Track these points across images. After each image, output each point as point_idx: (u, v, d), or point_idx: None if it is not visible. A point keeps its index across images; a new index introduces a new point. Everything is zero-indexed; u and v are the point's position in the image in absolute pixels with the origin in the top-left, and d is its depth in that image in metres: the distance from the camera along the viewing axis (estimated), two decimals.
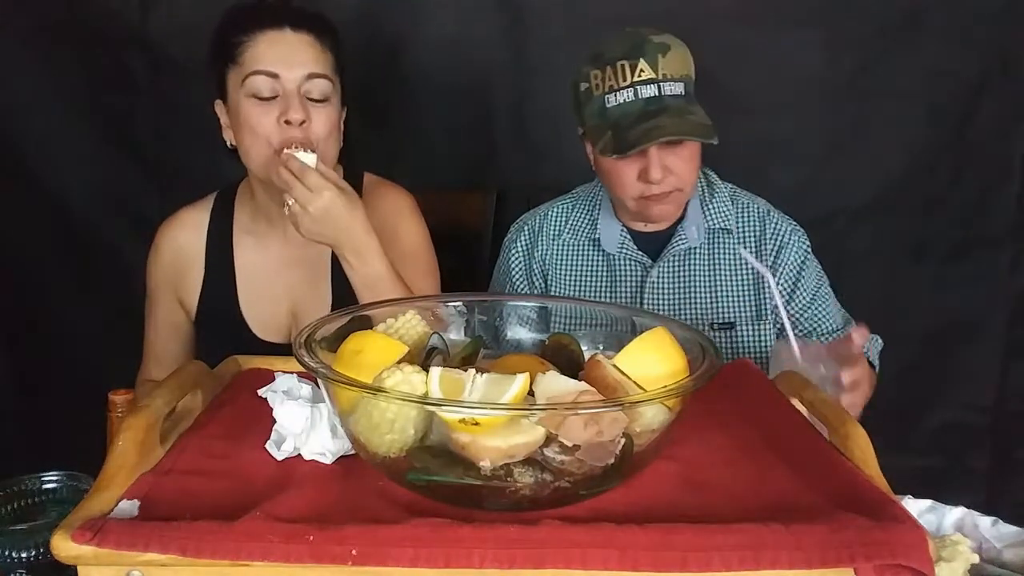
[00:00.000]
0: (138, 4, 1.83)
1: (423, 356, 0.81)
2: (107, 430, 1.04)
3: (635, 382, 0.73)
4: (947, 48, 1.84)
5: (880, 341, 1.51)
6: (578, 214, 1.53)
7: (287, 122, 1.24)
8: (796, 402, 0.90)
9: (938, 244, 1.95)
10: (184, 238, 1.42)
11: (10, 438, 1.95)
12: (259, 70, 1.24)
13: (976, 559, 0.82)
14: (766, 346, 1.42)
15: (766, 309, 1.43)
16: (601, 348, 0.86)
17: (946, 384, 2.00)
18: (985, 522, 0.95)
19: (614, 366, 0.74)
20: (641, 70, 1.31)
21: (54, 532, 0.63)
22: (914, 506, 0.97)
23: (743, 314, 1.44)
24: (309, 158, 1.20)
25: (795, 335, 1.13)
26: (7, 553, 0.89)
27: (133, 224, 1.94)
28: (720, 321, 1.44)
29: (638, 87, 1.31)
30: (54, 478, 1.01)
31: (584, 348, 0.87)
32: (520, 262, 1.54)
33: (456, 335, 0.91)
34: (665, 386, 0.72)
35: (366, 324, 0.85)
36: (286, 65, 1.25)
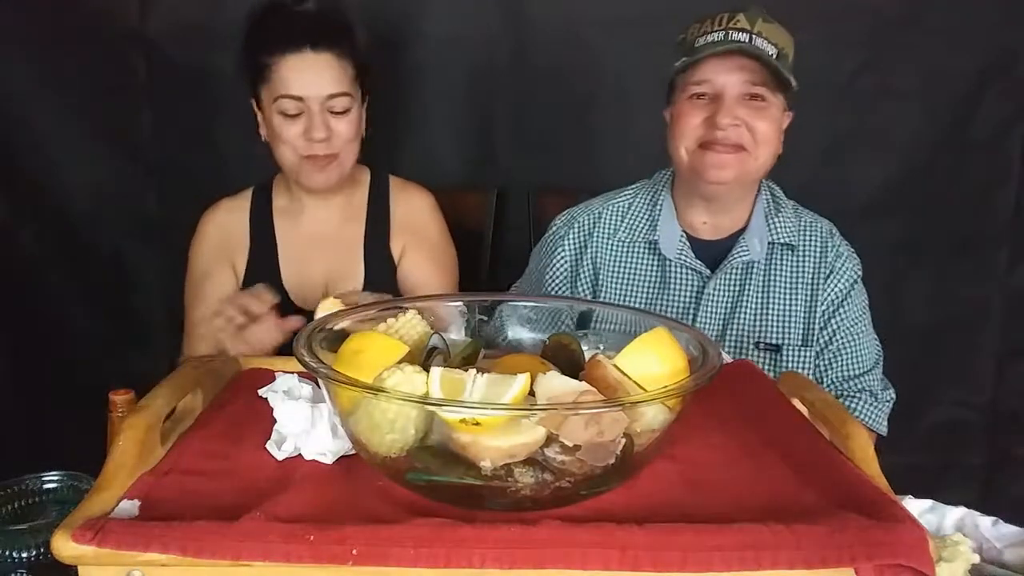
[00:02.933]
0: (138, 4, 1.83)
1: (423, 356, 0.81)
2: (107, 430, 1.04)
3: (635, 382, 0.73)
4: (947, 48, 1.84)
5: (892, 398, 1.44)
6: (637, 212, 1.45)
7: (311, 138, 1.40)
8: (796, 402, 0.90)
9: (936, 243, 1.95)
10: (229, 218, 1.56)
11: (10, 438, 1.95)
12: (285, 94, 1.39)
13: (976, 559, 0.82)
14: (808, 374, 1.37)
15: (813, 336, 1.38)
16: (602, 348, 0.86)
17: (943, 382, 2.00)
18: (986, 522, 0.95)
19: (615, 366, 0.74)
20: (738, 20, 1.29)
21: (54, 532, 0.63)
22: (914, 506, 0.97)
23: (790, 338, 1.38)
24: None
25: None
26: (7, 553, 0.89)
27: (133, 224, 1.94)
28: (767, 342, 1.37)
29: (731, 31, 1.29)
30: (54, 478, 1.01)
31: (585, 348, 0.87)
32: (566, 262, 1.46)
33: (456, 335, 0.91)
34: (665, 386, 0.72)
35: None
36: (309, 88, 1.39)
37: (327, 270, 1.53)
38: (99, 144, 1.90)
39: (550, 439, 0.67)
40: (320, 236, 1.54)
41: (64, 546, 0.63)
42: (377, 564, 0.62)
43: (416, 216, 1.58)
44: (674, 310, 1.39)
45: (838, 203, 1.89)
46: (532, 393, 0.69)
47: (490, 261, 1.79)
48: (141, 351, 1.94)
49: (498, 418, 0.66)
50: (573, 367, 0.80)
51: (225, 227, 1.55)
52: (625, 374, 0.73)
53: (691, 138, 1.33)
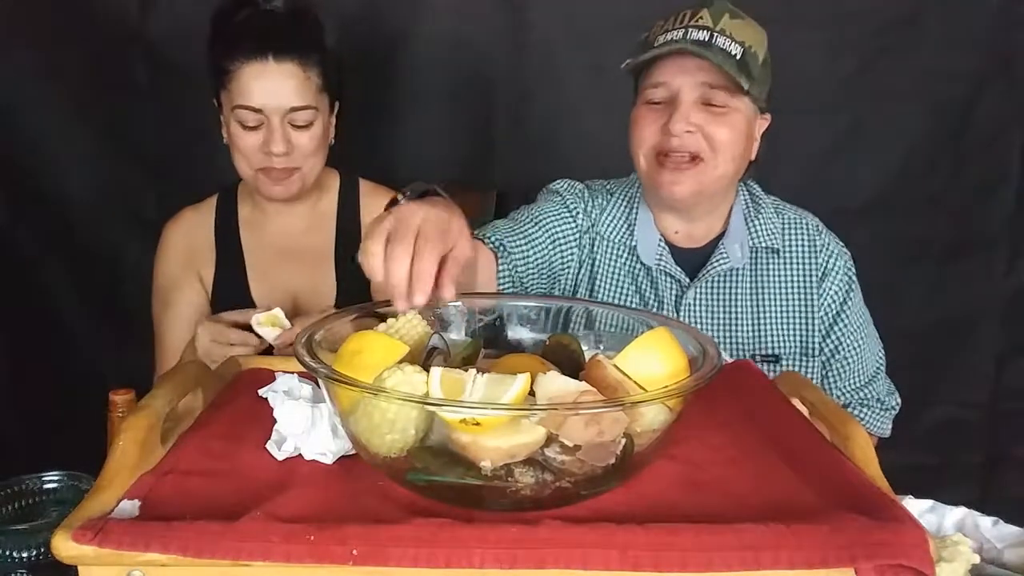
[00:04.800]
0: (138, 4, 1.83)
1: (424, 356, 0.81)
2: (107, 430, 1.04)
3: (636, 382, 0.73)
4: (947, 48, 1.84)
5: (898, 403, 1.42)
6: (615, 212, 1.36)
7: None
8: (796, 402, 0.90)
9: (936, 243, 1.95)
10: (193, 230, 1.49)
11: (10, 438, 1.95)
12: (244, 104, 1.31)
13: (977, 559, 0.82)
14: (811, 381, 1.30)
15: (814, 345, 1.30)
16: (602, 348, 0.86)
17: (942, 381, 2.01)
18: (986, 522, 0.95)
19: (615, 366, 0.74)
20: (700, 17, 1.20)
21: (55, 532, 0.63)
22: (915, 506, 0.97)
23: (789, 347, 1.30)
24: (272, 333, 1.21)
25: None
26: (7, 553, 0.89)
27: (133, 224, 1.94)
28: (764, 353, 1.29)
29: (690, 29, 1.19)
30: (54, 478, 1.01)
31: (585, 348, 0.87)
32: (577, 210, 1.35)
33: (456, 335, 0.91)
34: (666, 386, 0.72)
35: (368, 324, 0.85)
36: (269, 99, 1.31)
37: (297, 282, 1.46)
38: (99, 144, 1.91)
39: (550, 439, 0.67)
40: (287, 247, 1.47)
41: (64, 546, 0.63)
42: (377, 564, 0.62)
43: None
44: None
45: (838, 203, 1.89)
46: (532, 393, 0.69)
47: None
48: (141, 351, 1.93)
49: (498, 418, 0.66)
50: (573, 367, 0.80)
51: (190, 238, 1.48)
52: (625, 374, 0.73)
53: (647, 146, 1.25)
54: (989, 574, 0.89)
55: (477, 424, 0.65)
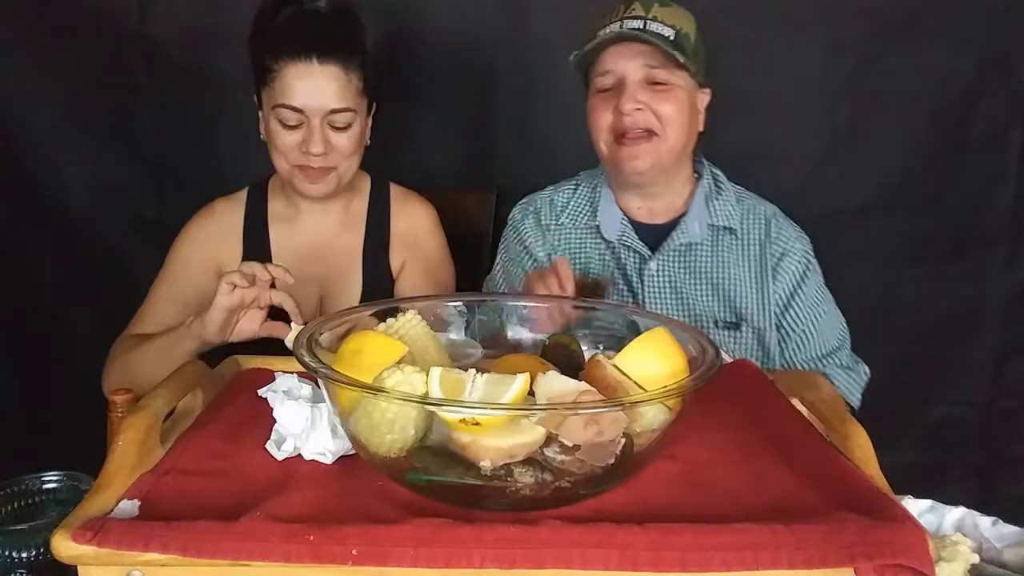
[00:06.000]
0: (138, 4, 1.83)
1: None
2: (107, 430, 1.04)
3: (635, 382, 0.73)
4: (946, 48, 1.84)
5: (867, 372, 1.47)
6: (579, 200, 1.49)
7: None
8: (796, 402, 0.90)
9: (935, 243, 1.95)
10: (222, 221, 1.48)
11: (10, 438, 1.95)
12: (285, 103, 1.32)
13: (976, 559, 0.82)
14: (770, 349, 1.40)
15: (770, 312, 1.40)
16: (601, 348, 0.86)
17: (941, 381, 2.00)
18: (985, 522, 0.95)
19: (614, 366, 0.74)
20: (633, 8, 1.34)
21: (54, 532, 0.63)
22: (914, 506, 0.97)
23: (748, 314, 1.40)
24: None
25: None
26: (7, 553, 0.89)
27: (133, 224, 1.94)
28: (725, 320, 1.40)
29: (625, 20, 1.33)
30: (54, 478, 1.01)
31: (584, 348, 0.87)
32: (537, 239, 1.49)
33: (456, 335, 0.91)
34: (665, 386, 0.72)
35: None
36: (311, 100, 1.32)
37: (323, 281, 1.47)
38: (99, 144, 1.90)
39: (550, 439, 0.67)
40: (316, 245, 1.48)
41: (64, 546, 0.63)
42: (377, 564, 0.62)
43: (417, 231, 1.52)
44: (623, 292, 1.43)
45: (837, 203, 1.90)
46: (532, 393, 0.69)
47: (490, 261, 1.79)
48: None
49: (498, 418, 0.66)
50: (573, 367, 0.80)
51: (217, 229, 1.47)
52: (625, 374, 0.73)
53: (604, 130, 1.37)
54: (989, 574, 0.89)
55: (477, 424, 0.65)
